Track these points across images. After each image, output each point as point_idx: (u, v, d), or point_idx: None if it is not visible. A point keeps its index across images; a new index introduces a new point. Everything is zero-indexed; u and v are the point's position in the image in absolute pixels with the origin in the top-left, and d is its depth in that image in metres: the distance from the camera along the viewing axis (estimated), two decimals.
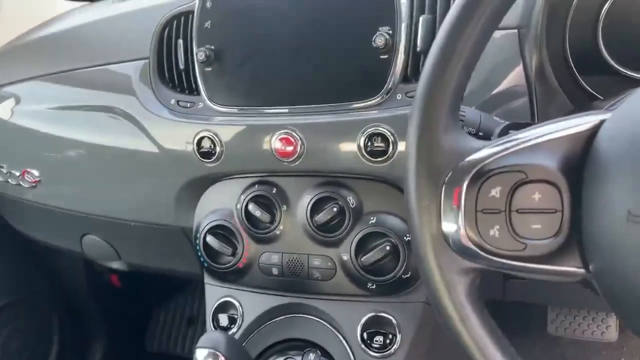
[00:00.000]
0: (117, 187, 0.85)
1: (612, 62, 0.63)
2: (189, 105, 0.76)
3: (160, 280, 1.59)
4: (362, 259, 0.68)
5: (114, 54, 0.84)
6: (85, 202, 0.90)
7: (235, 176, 0.76)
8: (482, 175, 0.40)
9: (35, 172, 0.91)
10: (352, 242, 0.69)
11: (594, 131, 0.39)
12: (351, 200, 0.69)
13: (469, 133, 0.51)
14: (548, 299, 0.95)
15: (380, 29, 0.64)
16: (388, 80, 0.65)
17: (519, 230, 0.40)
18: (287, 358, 0.72)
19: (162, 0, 0.82)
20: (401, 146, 0.64)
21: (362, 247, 0.69)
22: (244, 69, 0.71)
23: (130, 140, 0.80)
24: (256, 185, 0.74)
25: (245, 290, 0.77)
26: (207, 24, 0.72)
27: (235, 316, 0.76)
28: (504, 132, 0.48)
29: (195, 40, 0.73)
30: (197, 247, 0.77)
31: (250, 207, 0.72)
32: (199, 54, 0.71)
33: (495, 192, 0.39)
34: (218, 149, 0.72)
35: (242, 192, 0.74)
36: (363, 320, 0.70)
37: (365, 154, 0.66)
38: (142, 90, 0.79)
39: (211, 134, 0.72)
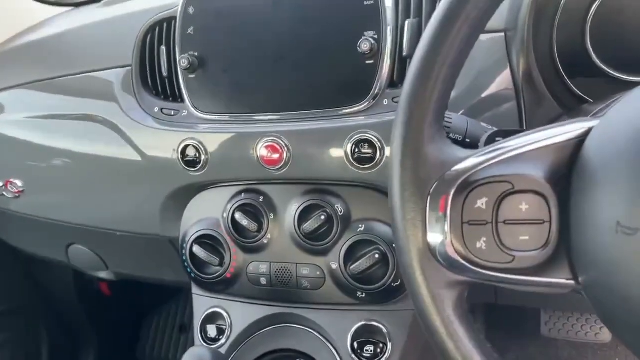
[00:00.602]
0: (102, 196, 0.83)
1: (600, 65, 0.62)
2: (173, 113, 0.74)
3: (151, 288, 1.57)
4: (351, 267, 0.67)
5: (97, 61, 0.82)
6: (70, 212, 0.88)
7: (222, 185, 0.74)
8: (468, 186, 0.39)
9: (19, 183, 0.90)
10: (340, 251, 0.68)
11: (581, 139, 0.38)
12: (339, 207, 0.68)
13: (456, 140, 0.50)
14: (540, 302, 0.94)
15: (365, 33, 0.63)
16: (374, 86, 0.64)
17: (506, 242, 0.38)
18: None
19: (146, 5, 0.81)
20: (388, 152, 0.63)
21: (351, 255, 0.68)
22: (228, 76, 0.69)
23: (114, 149, 0.78)
24: (243, 194, 0.72)
25: (234, 301, 0.76)
26: (190, 30, 0.70)
27: (224, 327, 0.75)
28: (491, 139, 0.46)
29: (179, 47, 0.71)
30: (184, 258, 0.76)
31: (237, 216, 0.71)
32: (182, 61, 0.69)
33: (482, 203, 0.38)
34: (203, 157, 0.71)
35: (228, 200, 0.73)
36: (353, 329, 0.69)
37: (352, 160, 0.64)
38: (125, 98, 0.78)
39: (196, 142, 0.71)
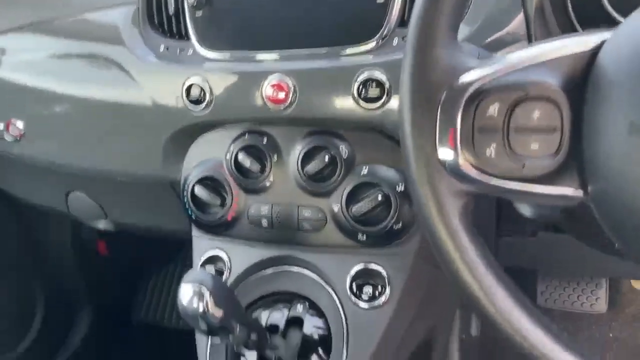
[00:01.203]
0: (104, 137, 0.83)
1: (613, 13, 0.61)
2: (178, 51, 0.74)
3: (148, 250, 1.57)
4: (353, 209, 0.67)
5: None
6: (72, 155, 0.87)
7: (225, 126, 0.74)
8: (480, 93, 0.38)
9: (20, 124, 0.89)
10: (343, 193, 0.68)
11: (595, 50, 0.38)
12: (343, 150, 0.68)
13: None
14: (539, 262, 0.94)
15: None
16: (384, 24, 0.63)
17: (516, 150, 0.38)
18: (274, 310, 0.71)
19: None
20: (396, 94, 0.63)
21: (353, 197, 0.67)
22: (235, 13, 0.69)
23: (118, 89, 0.78)
24: (246, 135, 0.72)
25: (234, 243, 0.75)
26: None
27: (223, 269, 0.75)
28: None
29: None
30: (185, 199, 0.75)
31: (240, 156, 0.70)
32: None
33: (494, 109, 0.38)
34: (208, 96, 0.70)
35: (232, 141, 0.72)
36: (352, 271, 0.69)
37: (359, 101, 0.64)
38: (130, 36, 0.77)
39: (201, 80, 0.70)
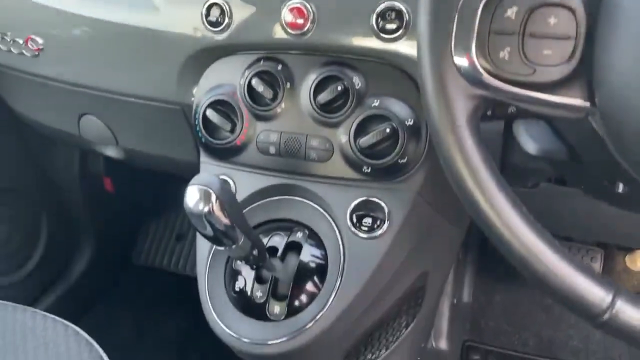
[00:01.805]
0: (120, 59, 0.84)
1: None
2: None
3: (153, 194, 1.59)
4: (361, 140, 0.68)
5: None
6: (88, 75, 0.88)
7: (241, 53, 0.75)
8: None
9: (39, 40, 0.90)
10: (352, 124, 0.68)
11: None
12: (357, 81, 0.68)
13: None
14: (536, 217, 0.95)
15: None
16: None
17: (529, 55, 0.39)
18: (273, 235, 0.72)
19: None
20: (414, 27, 0.63)
21: (362, 129, 0.68)
22: None
23: (136, 9, 0.78)
24: (262, 61, 0.73)
25: (240, 170, 0.77)
26: None
27: None
28: None
29: None
30: (196, 121, 0.76)
31: (254, 82, 0.71)
32: None
33: (511, 12, 0.39)
34: (227, 19, 0.71)
35: (246, 67, 0.73)
36: (354, 203, 0.70)
37: (377, 30, 0.64)
38: None
39: (221, 1, 0.70)
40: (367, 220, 0.69)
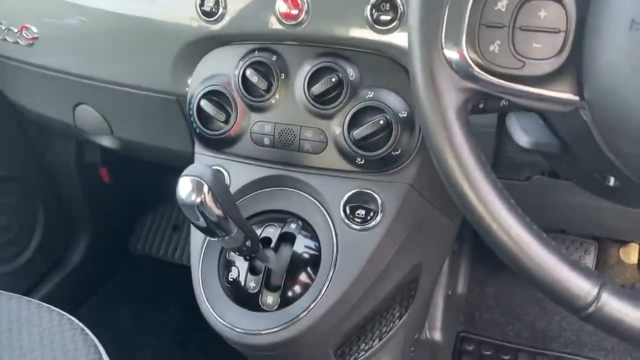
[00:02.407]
0: (115, 49, 0.83)
1: None
2: None
3: (149, 183, 1.59)
4: (355, 132, 0.68)
5: None
6: (82, 64, 0.88)
7: (235, 44, 0.74)
8: None
9: (34, 29, 0.89)
10: (346, 116, 0.68)
11: None
12: (351, 72, 0.68)
13: None
14: (528, 210, 0.95)
15: None
16: None
17: (519, 48, 0.39)
18: (267, 226, 0.72)
19: None
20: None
21: (356, 121, 0.68)
22: None
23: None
24: (256, 52, 0.72)
25: (234, 161, 0.77)
26: None
27: None
28: None
29: None
30: (190, 112, 0.76)
31: (248, 72, 0.71)
32: None
33: (502, 5, 0.38)
34: (221, 9, 0.71)
35: (241, 58, 0.73)
36: (347, 194, 0.70)
37: (371, 21, 0.64)
38: None
39: None
40: (361, 212, 0.69)
